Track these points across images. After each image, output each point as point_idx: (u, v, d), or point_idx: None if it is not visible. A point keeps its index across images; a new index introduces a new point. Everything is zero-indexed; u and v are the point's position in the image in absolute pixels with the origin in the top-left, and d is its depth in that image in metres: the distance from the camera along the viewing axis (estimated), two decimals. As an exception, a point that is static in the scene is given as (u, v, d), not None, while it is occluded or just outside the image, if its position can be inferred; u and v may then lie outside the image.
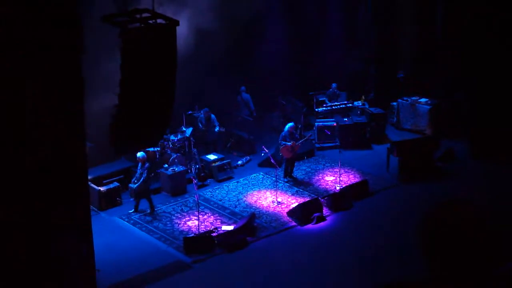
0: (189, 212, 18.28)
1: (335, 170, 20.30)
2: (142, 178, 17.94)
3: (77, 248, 13.00)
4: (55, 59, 11.56)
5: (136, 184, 18.03)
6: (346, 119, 22.54)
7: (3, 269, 11.88)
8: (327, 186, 19.60)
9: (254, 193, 19.35)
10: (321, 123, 22.33)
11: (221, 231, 17.05)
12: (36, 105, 11.54)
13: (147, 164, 18.02)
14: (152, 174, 19.62)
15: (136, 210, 18.27)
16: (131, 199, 18.48)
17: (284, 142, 19.64)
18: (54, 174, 12.01)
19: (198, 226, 17.29)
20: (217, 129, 21.02)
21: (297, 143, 19.70)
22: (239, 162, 21.10)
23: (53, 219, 12.20)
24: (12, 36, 10.98)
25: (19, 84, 11.32)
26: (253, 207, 18.48)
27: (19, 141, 11.53)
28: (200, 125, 21.00)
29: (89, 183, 16.23)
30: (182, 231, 17.35)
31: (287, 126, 19.88)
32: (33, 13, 11.02)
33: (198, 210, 17.62)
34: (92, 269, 13.67)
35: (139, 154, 17.97)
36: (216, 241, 16.60)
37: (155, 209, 18.28)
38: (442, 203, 4.26)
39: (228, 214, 18.15)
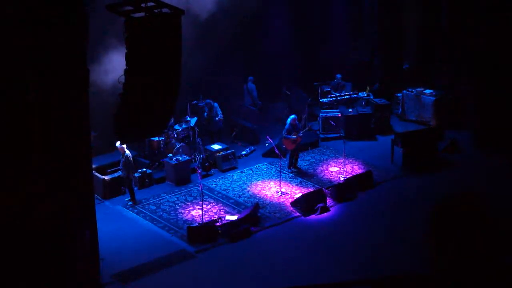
0: (193, 201, 18.31)
1: (339, 161, 20.30)
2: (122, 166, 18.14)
3: (82, 236, 13.04)
4: (61, 49, 11.56)
5: (121, 174, 18.22)
6: (350, 110, 22.50)
7: (7, 257, 11.92)
8: (331, 177, 19.60)
9: (258, 183, 19.37)
10: (325, 114, 22.30)
11: (225, 221, 17.07)
12: (41, 95, 11.55)
13: (126, 154, 18.03)
14: (157, 164, 19.66)
15: (132, 200, 18.29)
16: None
17: (287, 136, 19.63)
18: (59, 163, 12.04)
19: (202, 215, 17.32)
20: (217, 118, 21.00)
21: (299, 135, 19.69)
22: (243, 152, 21.09)
23: (57, 208, 12.22)
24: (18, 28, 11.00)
25: (22, 74, 11.34)
26: (257, 197, 18.51)
27: (24, 130, 11.55)
28: (205, 114, 20.99)
29: (93, 172, 16.24)
30: (186, 220, 17.38)
31: (289, 119, 19.83)
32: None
33: (202, 199, 17.65)
34: (96, 257, 13.71)
35: (117, 144, 17.97)
36: (220, 231, 16.63)
37: (136, 201, 18.26)
38: (451, 196, 4.26)
39: (232, 204, 18.16)
